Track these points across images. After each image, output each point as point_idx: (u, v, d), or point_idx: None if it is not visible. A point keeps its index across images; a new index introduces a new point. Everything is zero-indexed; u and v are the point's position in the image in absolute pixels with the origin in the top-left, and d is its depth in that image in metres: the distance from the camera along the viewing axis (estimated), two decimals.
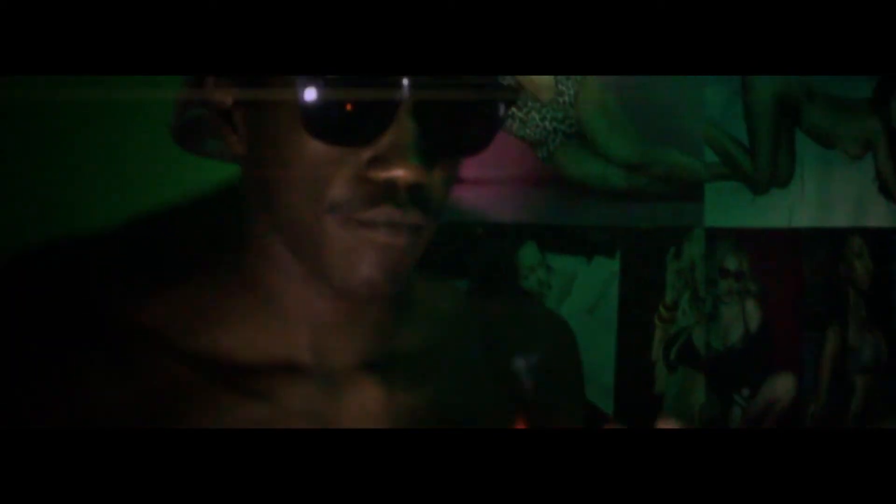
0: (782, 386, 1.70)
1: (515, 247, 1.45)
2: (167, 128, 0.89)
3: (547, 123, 1.47)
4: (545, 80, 1.47)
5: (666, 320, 1.56)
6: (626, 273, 1.52)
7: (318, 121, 0.74)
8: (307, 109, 0.73)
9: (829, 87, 1.72)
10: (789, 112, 1.69)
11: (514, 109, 1.44)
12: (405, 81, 0.74)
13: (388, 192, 0.75)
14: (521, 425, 0.90)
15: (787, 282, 1.70)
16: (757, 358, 1.67)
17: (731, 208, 1.65)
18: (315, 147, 0.74)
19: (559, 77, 1.47)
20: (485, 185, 1.42)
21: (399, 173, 0.74)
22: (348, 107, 0.74)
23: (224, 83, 0.80)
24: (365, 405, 0.85)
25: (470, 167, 0.84)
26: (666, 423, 0.86)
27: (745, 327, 1.66)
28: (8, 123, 1.07)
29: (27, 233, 1.07)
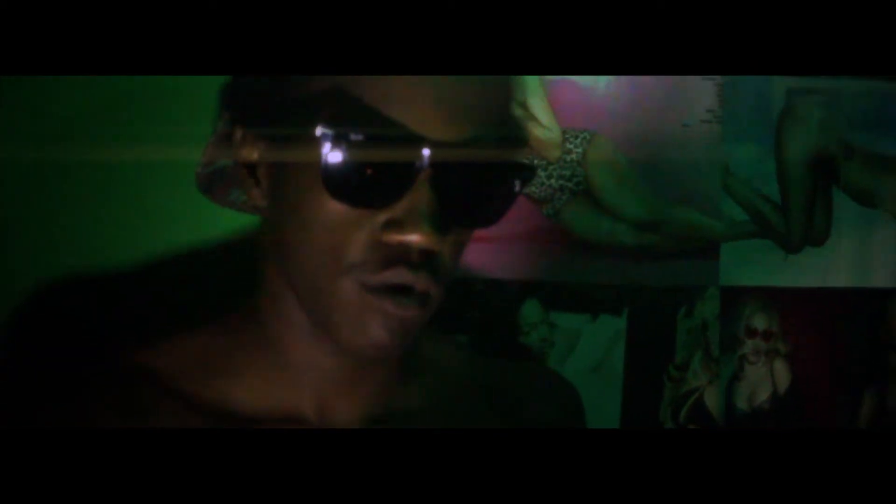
0: None
1: (518, 303, 1.47)
2: (194, 176, 0.95)
3: (553, 181, 1.48)
4: (553, 139, 1.48)
5: (675, 380, 1.55)
6: (634, 332, 1.52)
7: (338, 181, 0.77)
8: (328, 169, 0.76)
9: (870, 143, 1.67)
10: (826, 170, 1.65)
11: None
12: (426, 150, 0.77)
13: (402, 256, 0.78)
14: None
15: (820, 343, 1.66)
16: (786, 420, 1.64)
17: (761, 267, 1.62)
18: (333, 207, 0.78)
19: (567, 135, 1.48)
20: (488, 241, 1.44)
21: (413, 238, 0.76)
22: (369, 170, 0.77)
23: (251, 138, 0.85)
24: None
25: None
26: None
27: (774, 388, 1.63)
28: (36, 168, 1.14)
29: (46, 268, 1.13)
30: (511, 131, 0.83)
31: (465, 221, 0.81)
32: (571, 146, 1.49)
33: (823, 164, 1.65)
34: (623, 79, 1.49)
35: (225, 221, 1.11)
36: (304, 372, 0.86)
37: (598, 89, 1.49)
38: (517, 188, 0.83)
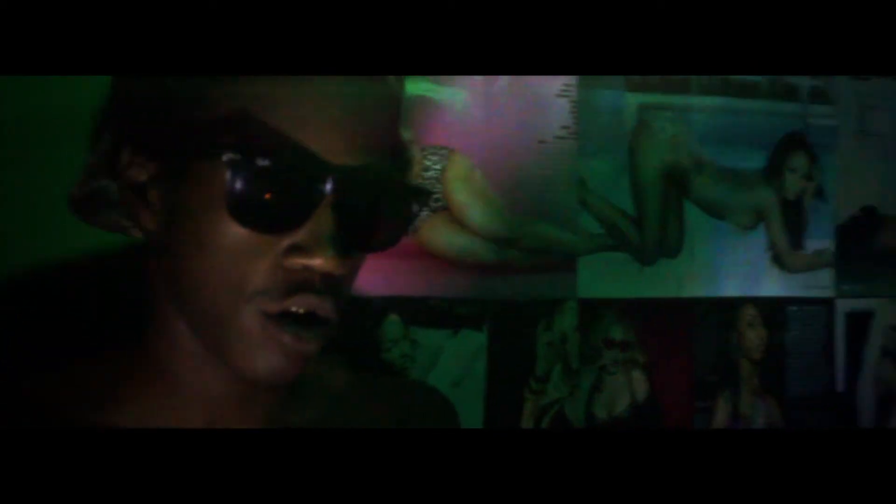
0: None
1: (378, 320, 1.47)
2: (67, 194, 0.91)
3: None
4: (413, 157, 1.49)
5: (536, 393, 1.57)
6: (494, 346, 1.54)
7: (242, 206, 0.75)
8: (232, 194, 0.75)
9: (719, 157, 1.73)
10: (677, 183, 1.70)
11: None
12: (329, 174, 0.76)
13: (305, 282, 0.77)
14: None
15: (676, 351, 1.71)
16: (643, 425, 1.68)
17: (617, 279, 1.66)
18: (235, 233, 0.76)
19: (425, 153, 1.50)
20: None
21: (317, 263, 0.75)
22: (273, 194, 0.76)
23: (140, 159, 0.82)
24: None
25: None
26: None
27: (632, 397, 1.66)
28: None
29: None
30: (403, 154, 0.84)
31: (366, 245, 0.82)
32: (429, 163, 1.50)
33: (675, 177, 1.70)
34: (479, 95, 1.51)
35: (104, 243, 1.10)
36: (193, 395, 0.85)
37: (455, 106, 1.51)
38: (415, 211, 0.84)
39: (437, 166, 1.50)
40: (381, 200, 0.81)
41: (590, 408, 1.62)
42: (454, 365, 1.51)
